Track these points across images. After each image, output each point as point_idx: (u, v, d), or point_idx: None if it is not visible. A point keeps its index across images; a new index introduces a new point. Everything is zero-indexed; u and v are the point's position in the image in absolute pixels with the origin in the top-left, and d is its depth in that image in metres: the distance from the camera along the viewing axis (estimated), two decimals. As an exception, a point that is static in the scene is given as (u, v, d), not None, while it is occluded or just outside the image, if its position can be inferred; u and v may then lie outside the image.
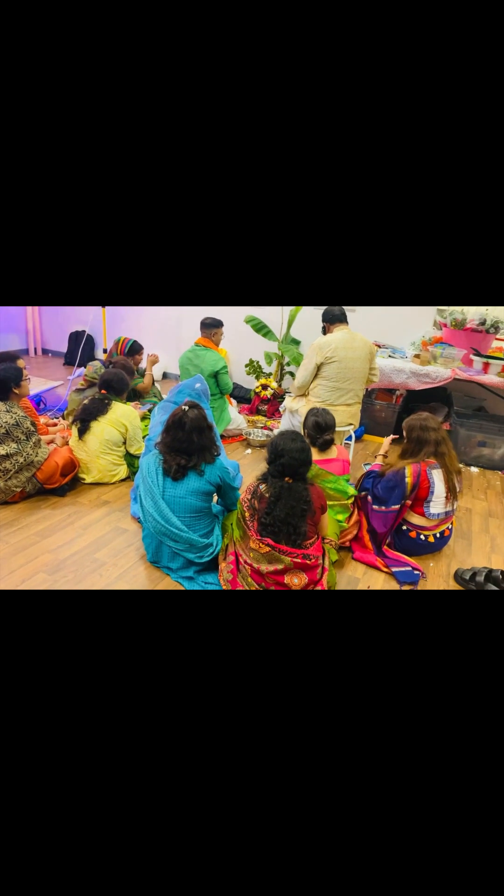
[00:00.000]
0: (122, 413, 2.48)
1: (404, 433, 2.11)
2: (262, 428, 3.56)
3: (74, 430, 2.47)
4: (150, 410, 3.01)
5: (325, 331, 2.70)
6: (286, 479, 1.64)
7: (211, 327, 3.11)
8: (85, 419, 2.44)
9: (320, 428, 2.08)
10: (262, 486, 1.67)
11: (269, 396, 3.88)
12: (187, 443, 1.77)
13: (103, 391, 2.54)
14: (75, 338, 4.96)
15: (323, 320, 2.69)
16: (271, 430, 3.48)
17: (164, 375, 4.77)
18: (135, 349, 3.25)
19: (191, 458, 1.78)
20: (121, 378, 2.56)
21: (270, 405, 3.91)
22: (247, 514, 1.68)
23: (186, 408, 1.81)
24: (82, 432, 2.44)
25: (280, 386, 4.01)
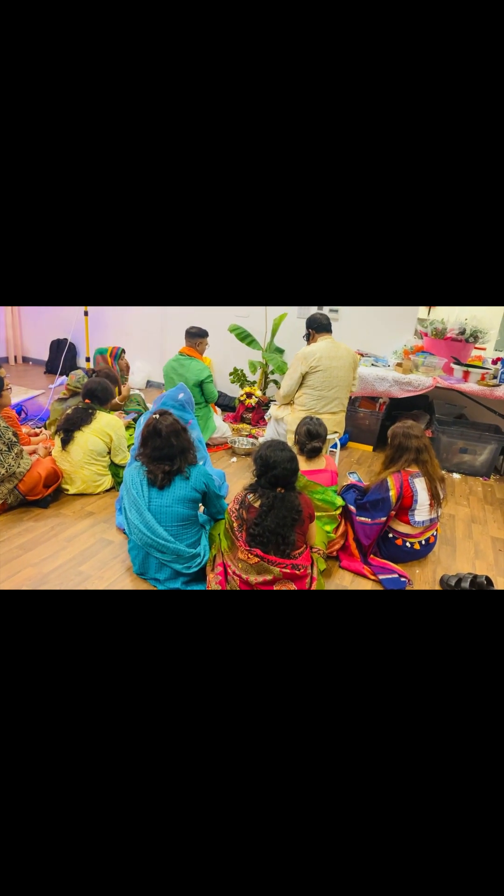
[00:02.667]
0: (107, 422, 2.45)
1: (388, 440, 2.14)
2: (246, 436, 3.56)
3: (57, 441, 2.43)
4: (134, 420, 2.99)
5: (308, 338, 2.72)
6: (278, 489, 1.64)
7: (196, 336, 3.13)
8: (68, 429, 2.40)
9: (311, 435, 2.10)
10: (251, 496, 1.67)
11: (253, 405, 3.89)
12: (168, 448, 1.76)
13: (87, 400, 2.51)
14: (57, 346, 4.89)
15: (307, 327, 2.71)
16: (256, 438, 3.48)
17: (148, 384, 4.74)
18: (121, 354, 3.27)
19: (174, 462, 1.77)
20: (105, 387, 2.54)
21: (255, 413, 3.92)
22: (235, 525, 1.68)
23: (158, 416, 1.82)
24: (65, 442, 2.40)
25: (264, 394, 4.03)
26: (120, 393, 3.20)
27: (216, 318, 4.22)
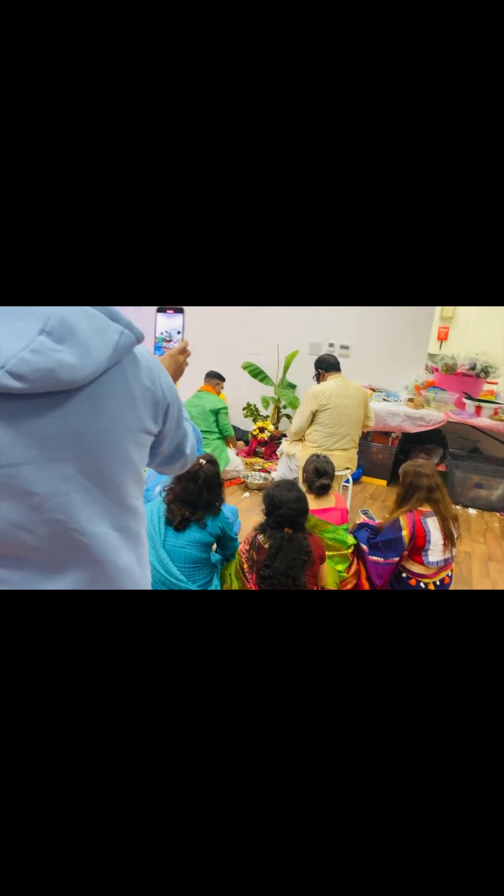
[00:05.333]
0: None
1: (400, 479, 2.14)
2: (259, 470, 3.59)
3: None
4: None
5: (318, 378, 2.78)
6: (286, 529, 1.65)
7: (214, 378, 3.42)
8: None
9: (319, 473, 2.11)
10: (261, 537, 1.68)
11: (266, 439, 3.94)
12: (196, 496, 1.78)
13: None
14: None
15: (316, 367, 2.78)
16: (269, 472, 3.51)
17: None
18: None
19: (195, 512, 1.79)
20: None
21: (268, 447, 3.96)
22: (245, 566, 1.68)
23: (203, 462, 1.83)
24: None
25: (277, 428, 4.08)
26: None
27: (230, 356, 4.34)
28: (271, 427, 3.97)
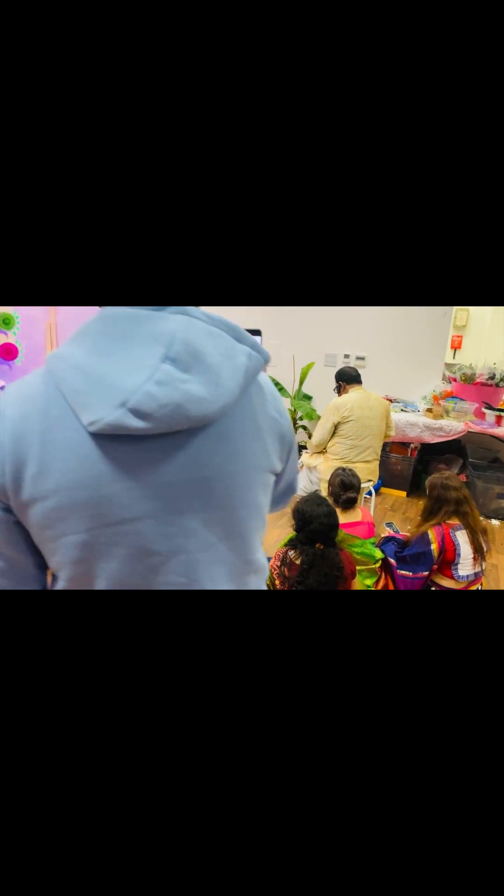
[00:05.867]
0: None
1: (427, 491, 2.12)
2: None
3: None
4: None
5: (339, 390, 2.78)
6: (317, 545, 1.64)
7: None
8: None
9: (345, 486, 2.11)
10: (292, 553, 1.68)
11: (283, 451, 3.94)
12: None
13: None
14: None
15: (337, 380, 2.78)
16: (288, 485, 3.50)
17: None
18: None
19: None
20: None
21: (285, 459, 3.97)
22: (277, 583, 1.67)
23: None
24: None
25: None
26: None
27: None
28: (288, 439, 3.98)
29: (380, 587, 2.05)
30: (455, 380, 3.55)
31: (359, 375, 2.74)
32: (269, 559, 1.96)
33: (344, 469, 2.19)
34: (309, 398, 4.15)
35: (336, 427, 2.62)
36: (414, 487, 3.60)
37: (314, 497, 1.72)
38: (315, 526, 1.64)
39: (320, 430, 2.69)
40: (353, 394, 2.64)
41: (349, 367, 2.77)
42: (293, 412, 4.10)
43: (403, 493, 3.55)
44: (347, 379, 2.73)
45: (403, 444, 3.59)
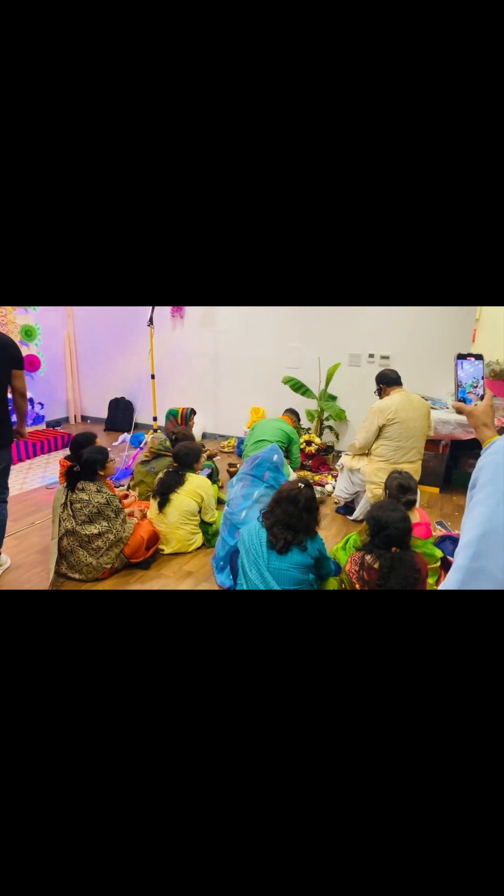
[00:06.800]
0: (198, 484, 2.59)
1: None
2: (312, 483, 3.65)
3: (154, 504, 2.57)
4: (209, 476, 3.13)
5: (380, 393, 2.84)
6: (393, 549, 1.71)
7: (292, 414, 3.69)
8: (164, 493, 2.54)
9: (403, 489, 2.18)
10: (369, 558, 1.74)
11: (314, 451, 4.00)
12: (297, 519, 1.85)
13: (175, 464, 2.65)
14: (115, 404, 5.17)
15: (379, 383, 2.84)
16: (323, 486, 3.56)
17: (204, 436, 4.93)
18: (191, 415, 3.47)
19: (297, 535, 1.86)
20: (189, 451, 2.68)
21: (315, 460, 4.02)
22: (357, 586, 1.74)
23: (303, 486, 1.91)
24: (162, 505, 2.54)
25: (322, 441, 4.14)
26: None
27: (269, 371, 4.42)
28: (318, 440, 4.04)
29: (440, 585, 2.12)
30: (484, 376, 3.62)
31: (399, 378, 2.80)
32: (332, 559, 2.02)
33: (399, 472, 2.26)
34: (334, 398, 4.20)
35: (381, 429, 2.68)
36: (447, 483, 3.67)
37: (388, 503, 1.79)
38: (391, 531, 1.70)
39: (364, 433, 2.75)
40: (397, 396, 2.70)
41: (389, 370, 2.83)
42: (320, 413, 4.16)
43: (437, 490, 3.62)
44: (388, 382, 2.79)
45: (434, 442, 3.66)
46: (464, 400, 0.90)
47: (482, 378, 0.91)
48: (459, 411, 0.89)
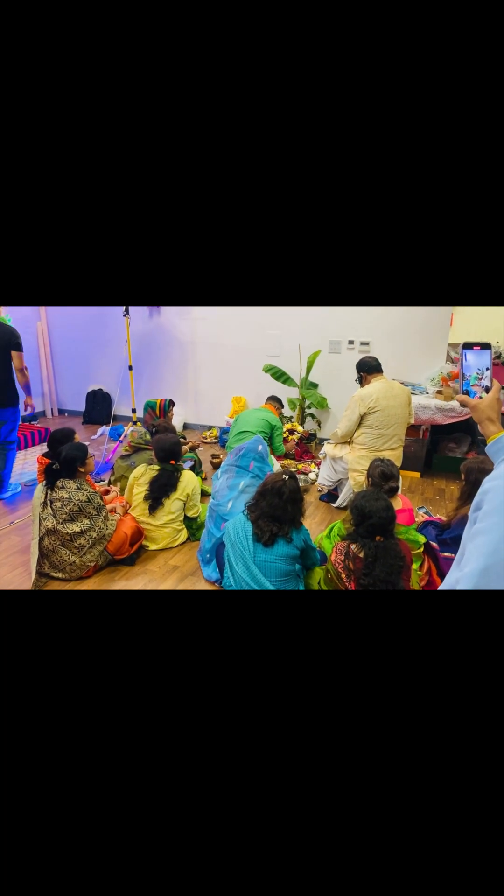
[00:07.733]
0: (186, 480, 2.55)
1: (462, 476, 2.23)
2: (295, 472, 3.65)
3: (145, 506, 2.50)
4: (191, 468, 3.10)
5: (361, 381, 2.85)
6: (377, 538, 1.73)
7: (275, 402, 3.67)
8: (158, 497, 2.48)
9: (386, 476, 2.19)
10: (354, 547, 1.76)
11: (296, 440, 4.00)
12: (282, 510, 1.85)
13: (171, 461, 2.58)
14: (93, 396, 5.05)
15: (359, 371, 2.84)
16: (306, 474, 3.57)
17: (185, 426, 4.88)
18: (170, 406, 3.42)
19: (282, 527, 1.86)
20: (175, 445, 2.62)
21: (298, 448, 4.03)
22: (343, 576, 1.76)
23: (286, 477, 1.90)
24: (153, 509, 2.49)
25: (304, 429, 4.15)
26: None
27: (249, 360, 4.38)
28: (300, 428, 4.04)
29: (424, 570, 2.15)
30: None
31: (379, 365, 2.81)
32: (317, 548, 2.04)
33: (381, 460, 2.27)
34: (315, 386, 4.20)
35: (362, 418, 2.69)
36: (427, 468, 3.73)
37: (370, 493, 1.80)
38: (375, 520, 1.72)
39: (346, 422, 2.75)
40: (377, 384, 2.71)
41: (369, 357, 2.83)
42: (301, 401, 4.15)
43: (417, 475, 3.67)
44: (368, 369, 2.79)
45: (415, 427, 3.70)
46: (467, 393, 0.84)
47: (488, 368, 0.85)
48: (464, 405, 0.84)
